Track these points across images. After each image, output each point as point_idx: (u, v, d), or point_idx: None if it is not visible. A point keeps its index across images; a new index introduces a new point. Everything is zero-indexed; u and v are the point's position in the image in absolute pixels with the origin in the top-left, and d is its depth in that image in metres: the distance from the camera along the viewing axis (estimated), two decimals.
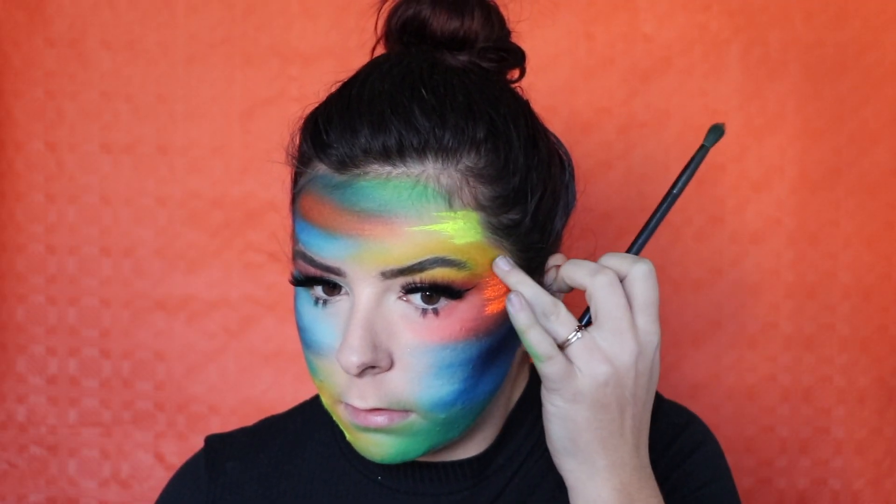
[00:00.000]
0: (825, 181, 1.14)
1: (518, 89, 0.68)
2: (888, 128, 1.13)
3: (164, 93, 1.16)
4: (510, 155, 0.61)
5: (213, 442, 0.78)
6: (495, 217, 0.61)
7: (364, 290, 0.59)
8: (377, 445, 0.63)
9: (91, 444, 1.18)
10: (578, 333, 0.59)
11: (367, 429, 0.62)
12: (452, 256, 0.59)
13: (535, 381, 0.74)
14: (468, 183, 0.59)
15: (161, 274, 1.17)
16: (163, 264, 1.17)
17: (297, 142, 0.65)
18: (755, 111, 1.13)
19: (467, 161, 0.59)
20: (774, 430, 1.16)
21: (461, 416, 0.63)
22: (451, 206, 0.59)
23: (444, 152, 0.59)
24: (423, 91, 0.60)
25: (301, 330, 0.64)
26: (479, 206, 0.60)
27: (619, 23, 1.13)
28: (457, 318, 0.60)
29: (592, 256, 0.74)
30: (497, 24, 0.66)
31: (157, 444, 1.17)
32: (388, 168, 0.58)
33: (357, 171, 0.59)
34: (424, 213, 0.58)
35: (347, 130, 0.59)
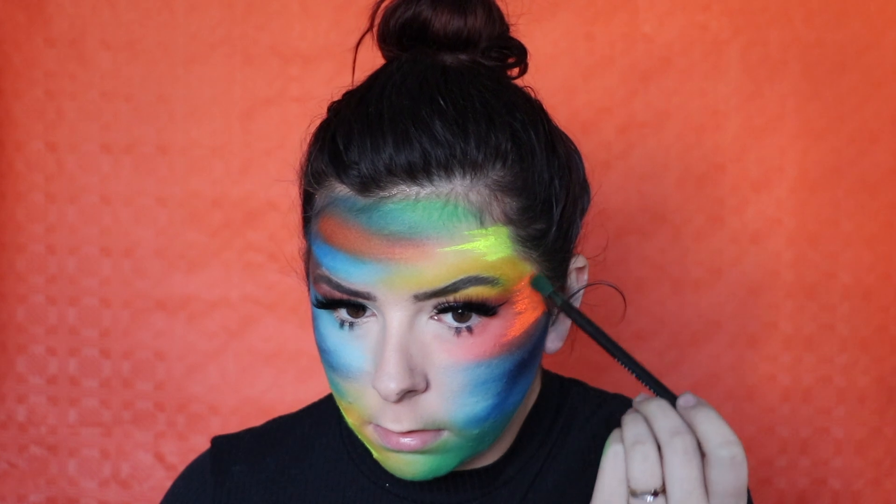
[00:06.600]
0: (825, 181, 1.14)
1: (529, 90, 0.66)
2: (888, 128, 1.13)
3: (164, 93, 1.16)
4: (534, 164, 0.60)
5: (220, 444, 0.76)
6: (524, 229, 0.59)
7: (396, 313, 0.58)
8: (409, 465, 0.62)
9: (91, 444, 1.18)
10: (652, 499, 0.54)
11: (399, 451, 0.61)
12: (486, 274, 0.57)
13: (547, 389, 0.74)
14: (496, 198, 0.58)
15: (161, 274, 1.17)
16: (163, 264, 1.17)
17: (309, 158, 0.63)
18: (755, 111, 1.13)
19: (493, 175, 0.58)
20: (774, 430, 1.16)
21: (492, 429, 0.62)
22: (482, 223, 0.57)
23: (471, 167, 0.57)
24: (442, 102, 0.58)
25: (325, 353, 0.62)
26: (509, 220, 0.59)
27: (619, 23, 1.13)
28: (490, 334, 0.59)
29: (604, 253, 0.74)
30: (498, 20, 0.65)
31: (157, 444, 1.17)
32: (415, 189, 0.57)
33: (383, 194, 0.57)
34: (456, 232, 0.57)
35: (370, 149, 0.57)
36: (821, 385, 1.15)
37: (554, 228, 0.61)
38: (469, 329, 0.58)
